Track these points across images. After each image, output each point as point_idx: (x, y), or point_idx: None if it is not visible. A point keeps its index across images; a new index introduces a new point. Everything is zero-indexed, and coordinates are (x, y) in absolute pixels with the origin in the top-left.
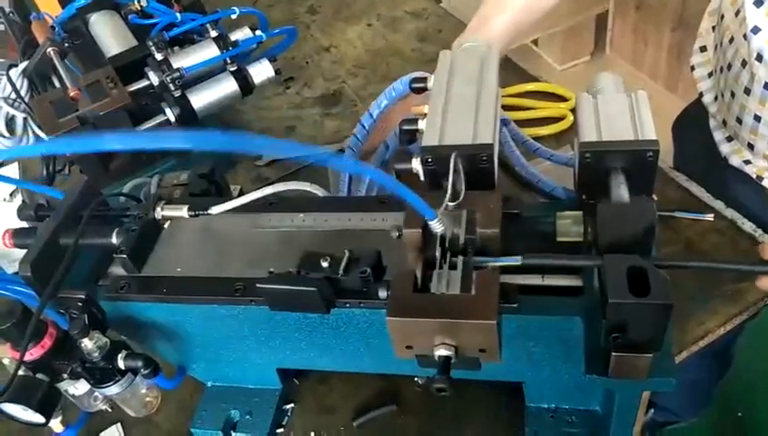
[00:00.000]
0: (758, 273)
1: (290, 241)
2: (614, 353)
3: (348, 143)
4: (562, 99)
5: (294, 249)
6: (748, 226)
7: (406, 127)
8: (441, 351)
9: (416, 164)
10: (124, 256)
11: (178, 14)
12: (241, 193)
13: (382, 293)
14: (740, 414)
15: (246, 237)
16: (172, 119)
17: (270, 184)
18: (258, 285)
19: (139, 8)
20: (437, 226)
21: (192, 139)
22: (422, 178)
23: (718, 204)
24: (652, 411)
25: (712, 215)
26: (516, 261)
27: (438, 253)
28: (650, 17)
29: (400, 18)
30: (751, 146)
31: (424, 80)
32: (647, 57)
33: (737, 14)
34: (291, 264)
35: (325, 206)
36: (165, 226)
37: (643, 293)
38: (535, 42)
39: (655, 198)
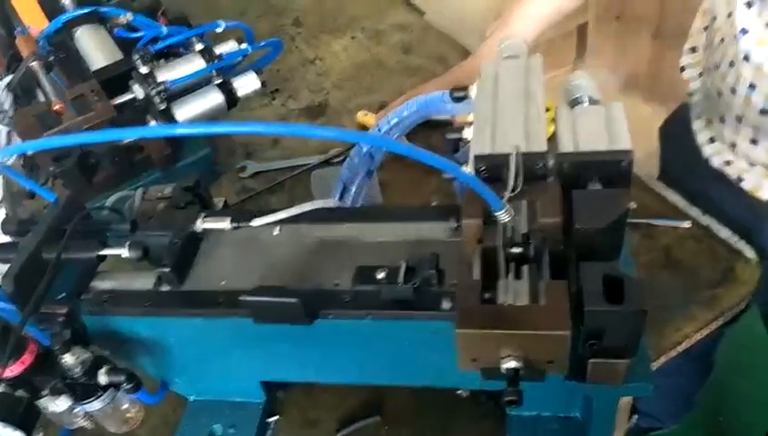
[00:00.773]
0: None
1: (334, 251)
2: (591, 360)
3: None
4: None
5: (339, 259)
6: (724, 233)
7: (450, 136)
8: (510, 364)
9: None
10: (167, 269)
11: (164, 28)
12: (226, 206)
13: (446, 304)
14: (722, 419)
15: (289, 248)
16: None
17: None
18: (241, 298)
19: (125, 22)
20: (503, 216)
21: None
22: None
23: (695, 212)
24: (635, 417)
25: (689, 222)
26: None
27: (499, 244)
28: (629, 28)
29: (384, 31)
30: (733, 146)
31: (465, 89)
32: (627, 67)
33: (729, 15)
34: (337, 275)
35: (360, 217)
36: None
37: (618, 300)
38: None
39: (634, 205)
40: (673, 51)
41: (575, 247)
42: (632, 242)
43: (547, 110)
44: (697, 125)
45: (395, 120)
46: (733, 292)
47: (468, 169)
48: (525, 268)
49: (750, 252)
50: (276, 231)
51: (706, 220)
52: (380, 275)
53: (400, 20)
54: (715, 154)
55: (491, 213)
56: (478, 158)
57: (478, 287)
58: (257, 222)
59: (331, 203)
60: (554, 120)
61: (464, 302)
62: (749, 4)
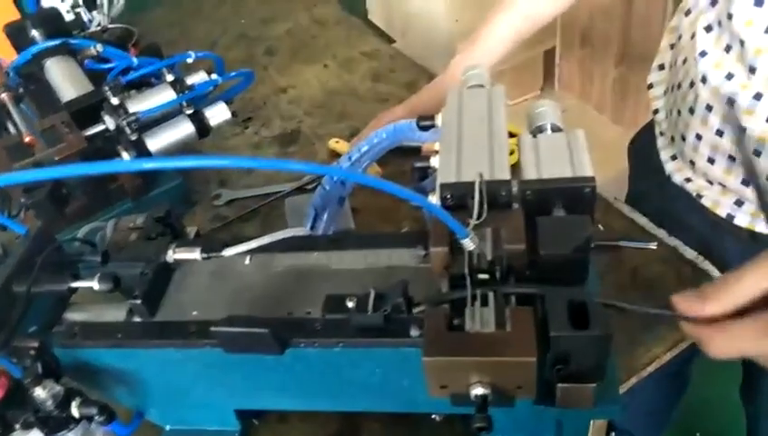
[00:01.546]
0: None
1: (304, 280)
2: (559, 384)
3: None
4: (511, 135)
5: (308, 289)
6: (689, 253)
7: (418, 165)
8: (478, 390)
9: (432, 201)
10: (138, 301)
11: (134, 59)
12: (198, 235)
13: (414, 332)
14: (698, 435)
15: (260, 278)
16: None
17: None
18: (212, 329)
19: (95, 53)
20: (468, 244)
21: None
22: None
23: (661, 233)
24: (613, 434)
25: (655, 244)
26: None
27: (466, 270)
28: (595, 53)
29: (355, 59)
30: (692, 163)
31: (431, 118)
32: (594, 91)
33: (693, 36)
34: (308, 304)
35: (332, 245)
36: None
37: (583, 325)
38: None
39: (601, 228)
40: (636, 76)
41: (540, 273)
42: (600, 263)
43: (514, 136)
44: (661, 143)
45: (365, 147)
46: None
47: (435, 197)
48: (491, 295)
49: (715, 272)
50: (247, 260)
51: (672, 241)
52: (350, 304)
53: (370, 48)
54: (677, 171)
55: (457, 240)
56: (444, 186)
57: (445, 315)
58: (228, 251)
59: (302, 231)
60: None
61: (431, 329)
62: (708, 28)
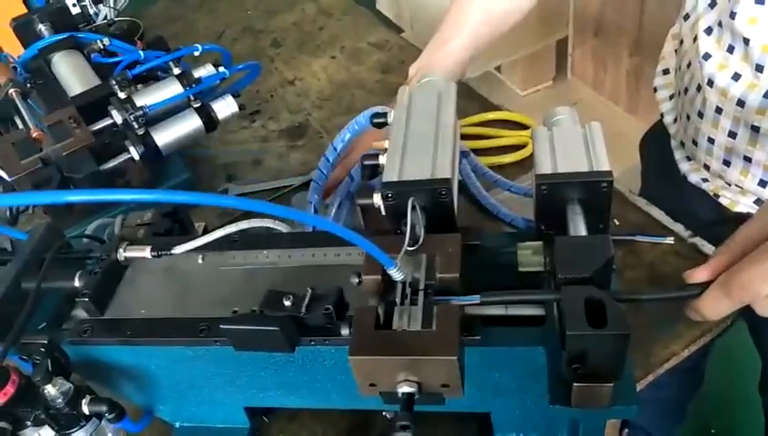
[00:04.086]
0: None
1: (253, 278)
2: (575, 384)
3: (313, 176)
4: (523, 126)
5: (258, 287)
6: (707, 248)
7: (367, 162)
8: (404, 388)
9: (377, 200)
10: (86, 299)
11: (141, 52)
12: (206, 231)
13: (345, 331)
14: (713, 431)
15: (210, 276)
16: (137, 157)
17: (232, 222)
18: (221, 326)
19: (102, 47)
20: (396, 274)
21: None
22: (383, 213)
23: (678, 227)
24: (626, 430)
25: (672, 238)
26: (474, 300)
27: (398, 298)
28: (608, 43)
29: (363, 50)
30: (707, 167)
31: (384, 115)
32: (607, 81)
33: (695, 40)
34: (255, 303)
35: (289, 242)
36: (129, 267)
37: (600, 324)
38: (498, 69)
39: (617, 223)
40: (651, 65)
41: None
42: (616, 258)
43: (526, 127)
44: (673, 144)
45: (348, 136)
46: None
47: (378, 196)
48: (420, 293)
49: None
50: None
51: (689, 235)
52: (287, 303)
53: (379, 39)
54: (693, 172)
55: None
56: (385, 185)
57: (374, 313)
58: (178, 249)
59: (257, 223)
60: (531, 139)
61: (357, 328)
62: (708, 30)
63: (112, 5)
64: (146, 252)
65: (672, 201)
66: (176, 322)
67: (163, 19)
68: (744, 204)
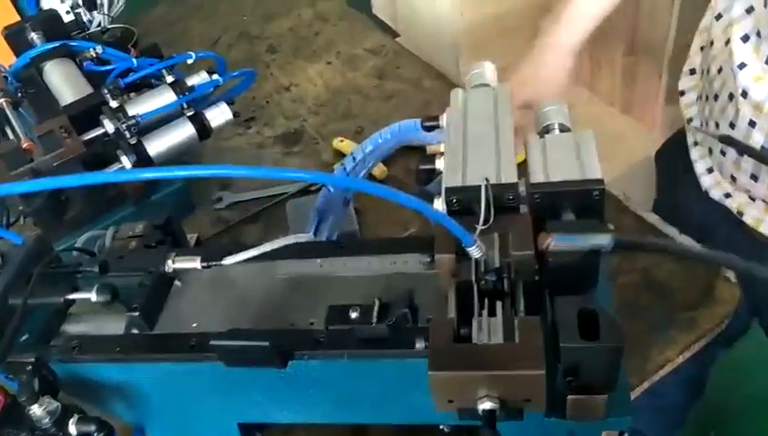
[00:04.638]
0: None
1: (310, 288)
2: (569, 396)
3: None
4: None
5: (316, 297)
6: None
7: (423, 167)
8: (486, 405)
9: (438, 205)
10: (137, 314)
11: (134, 60)
12: (198, 242)
13: (419, 344)
14: (712, 434)
15: (264, 287)
16: (128, 166)
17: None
18: (212, 342)
19: (94, 55)
20: (475, 251)
21: None
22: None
23: (672, 231)
24: (625, 434)
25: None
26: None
27: (473, 278)
28: (603, 43)
29: (359, 56)
30: (733, 179)
31: (436, 118)
32: (603, 83)
33: (727, 43)
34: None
35: (335, 251)
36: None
37: (594, 335)
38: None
39: (612, 227)
40: (645, 66)
41: (549, 280)
42: (610, 264)
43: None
44: (695, 154)
45: (369, 148)
46: (713, 313)
47: (440, 201)
48: (499, 304)
49: (729, 271)
50: (248, 268)
51: (684, 239)
52: (354, 315)
53: (374, 44)
54: (714, 186)
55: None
56: (449, 190)
57: (451, 326)
58: (228, 260)
59: (303, 237)
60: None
61: (436, 343)
62: (745, 38)
63: (106, 12)
64: (196, 263)
65: (693, 218)
66: (167, 338)
67: (159, 25)
68: None
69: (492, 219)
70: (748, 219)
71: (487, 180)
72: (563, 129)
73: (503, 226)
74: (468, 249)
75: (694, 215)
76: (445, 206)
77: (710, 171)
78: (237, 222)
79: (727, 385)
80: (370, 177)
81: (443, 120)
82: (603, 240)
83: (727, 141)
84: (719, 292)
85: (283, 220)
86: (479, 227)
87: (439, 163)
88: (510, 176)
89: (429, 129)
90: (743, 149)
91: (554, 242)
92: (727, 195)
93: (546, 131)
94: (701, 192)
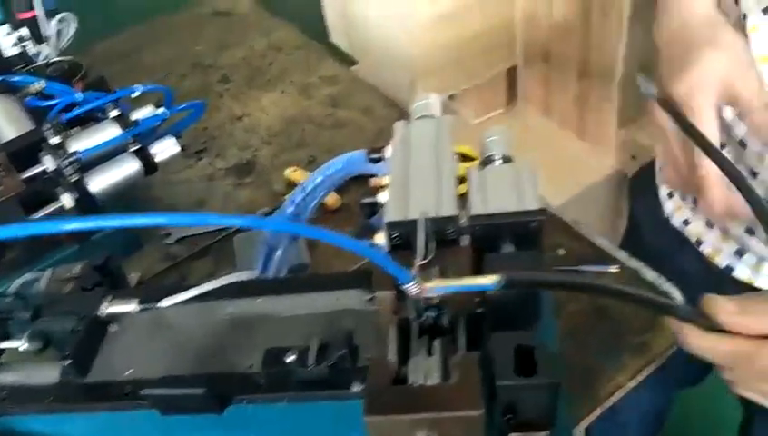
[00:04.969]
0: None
1: (249, 328)
2: (509, 434)
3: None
4: (469, 158)
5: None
6: (650, 275)
7: (365, 201)
8: None
9: (379, 239)
10: (67, 362)
11: (79, 94)
12: (140, 283)
13: (356, 387)
14: None
15: (202, 329)
16: (69, 205)
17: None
18: (143, 391)
19: (38, 90)
20: (412, 288)
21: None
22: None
23: (621, 255)
24: None
25: (616, 266)
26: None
27: (412, 316)
28: (556, 68)
29: (314, 84)
30: (694, 202)
31: (380, 150)
32: (556, 107)
33: None
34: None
35: (275, 289)
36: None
37: (531, 372)
38: (451, 97)
39: (563, 252)
40: (598, 90)
41: (488, 315)
42: (559, 291)
43: (474, 160)
44: (660, 178)
45: (319, 179)
46: (665, 336)
47: (383, 236)
48: (437, 342)
49: (677, 294)
50: (188, 309)
51: (633, 263)
52: (290, 357)
53: (329, 72)
54: (675, 211)
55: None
56: (390, 225)
57: (389, 366)
58: (166, 302)
59: (247, 274)
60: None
61: (372, 385)
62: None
63: (54, 45)
64: (133, 306)
65: (654, 245)
66: (101, 387)
67: (110, 56)
68: (726, 254)
69: (432, 254)
70: (705, 249)
71: (424, 214)
72: (506, 160)
73: (444, 259)
74: (405, 286)
75: (655, 244)
76: (387, 241)
77: (670, 195)
78: (185, 257)
79: (691, 415)
80: (323, 206)
81: (387, 152)
82: (487, 282)
83: None
84: None
85: (233, 254)
86: (417, 262)
87: (381, 197)
88: (450, 209)
89: (375, 160)
90: None
91: (430, 292)
92: (686, 222)
93: (488, 161)
94: (664, 220)
